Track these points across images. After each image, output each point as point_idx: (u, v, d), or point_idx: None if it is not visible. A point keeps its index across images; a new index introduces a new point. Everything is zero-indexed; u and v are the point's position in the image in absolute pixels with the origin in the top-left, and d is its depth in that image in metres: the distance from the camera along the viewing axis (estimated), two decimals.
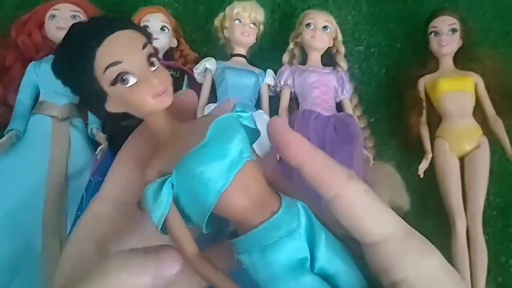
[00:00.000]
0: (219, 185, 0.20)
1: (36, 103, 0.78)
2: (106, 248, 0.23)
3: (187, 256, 0.21)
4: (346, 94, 0.85)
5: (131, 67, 0.22)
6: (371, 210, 0.20)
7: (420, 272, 0.19)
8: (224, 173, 0.21)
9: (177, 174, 0.21)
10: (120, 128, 0.26)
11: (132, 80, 0.22)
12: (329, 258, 0.21)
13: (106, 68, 0.21)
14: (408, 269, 0.19)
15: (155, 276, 0.20)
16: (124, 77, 0.22)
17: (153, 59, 0.23)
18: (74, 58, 0.22)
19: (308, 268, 0.21)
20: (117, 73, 0.22)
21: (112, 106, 0.23)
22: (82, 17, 0.82)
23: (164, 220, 0.21)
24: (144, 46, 0.22)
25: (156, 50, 0.24)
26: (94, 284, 0.20)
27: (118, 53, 0.22)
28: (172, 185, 0.21)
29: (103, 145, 0.73)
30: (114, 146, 0.26)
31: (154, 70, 0.23)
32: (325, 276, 0.21)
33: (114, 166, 0.25)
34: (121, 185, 0.24)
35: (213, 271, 0.21)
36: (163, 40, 0.83)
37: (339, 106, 0.86)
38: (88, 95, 0.23)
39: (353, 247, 0.21)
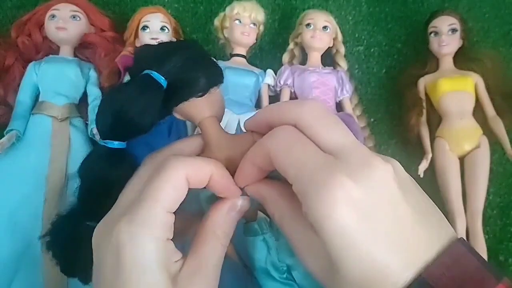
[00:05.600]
0: None
1: (36, 103, 0.78)
2: None
3: None
4: (346, 94, 0.85)
5: None
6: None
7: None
8: None
9: None
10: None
11: None
12: None
13: None
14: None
15: None
16: None
17: None
18: None
19: None
20: None
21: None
22: (82, 17, 0.82)
23: None
24: None
25: None
26: None
27: None
28: None
29: None
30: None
31: None
32: None
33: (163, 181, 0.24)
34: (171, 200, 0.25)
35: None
36: (163, 40, 0.83)
37: (339, 106, 0.86)
38: None
39: None
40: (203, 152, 0.26)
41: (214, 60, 0.26)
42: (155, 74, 0.23)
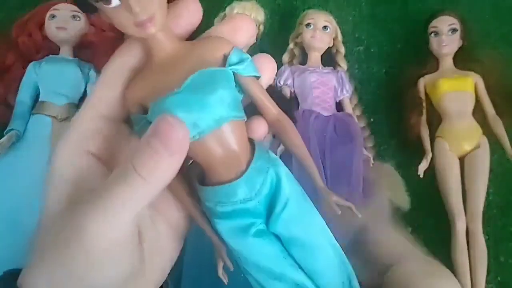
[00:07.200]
0: (191, 133, 0.20)
1: (36, 103, 0.78)
2: (102, 163, 0.23)
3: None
4: (346, 94, 0.85)
5: None
6: None
7: None
8: (198, 123, 0.21)
9: (151, 115, 0.21)
10: None
11: (114, 2, 0.20)
12: (286, 226, 0.23)
13: None
14: None
15: None
16: None
17: None
18: None
19: (253, 232, 0.22)
20: None
21: (103, 17, 0.22)
22: (82, 17, 0.82)
23: None
24: None
25: None
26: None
27: None
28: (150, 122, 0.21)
29: None
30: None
31: None
32: (282, 240, 0.23)
33: (99, 84, 0.24)
34: (107, 100, 0.24)
35: (189, 197, 0.23)
36: None
37: (339, 106, 0.86)
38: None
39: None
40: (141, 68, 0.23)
41: None
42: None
